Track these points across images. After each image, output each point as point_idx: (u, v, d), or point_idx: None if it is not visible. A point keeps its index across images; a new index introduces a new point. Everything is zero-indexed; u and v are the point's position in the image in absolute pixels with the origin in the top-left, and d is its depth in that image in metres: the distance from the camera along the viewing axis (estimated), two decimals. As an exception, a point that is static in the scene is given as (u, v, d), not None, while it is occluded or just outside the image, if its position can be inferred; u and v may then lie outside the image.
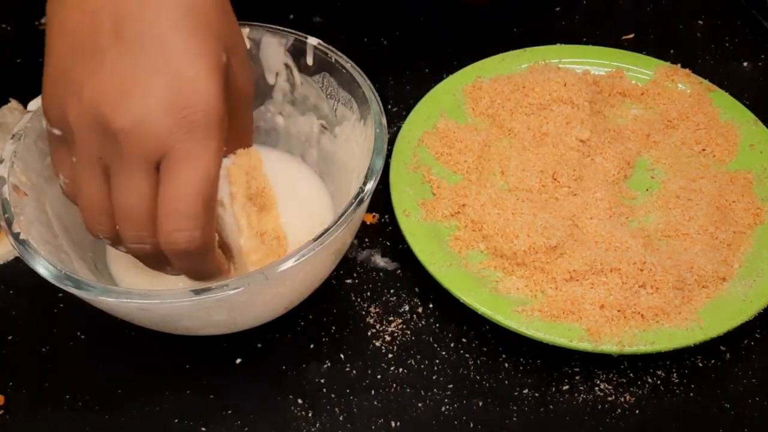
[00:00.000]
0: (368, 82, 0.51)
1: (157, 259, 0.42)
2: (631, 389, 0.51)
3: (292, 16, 0.74)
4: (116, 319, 0.47)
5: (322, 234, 0.43)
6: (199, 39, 0.39)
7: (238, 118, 0.45)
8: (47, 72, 0.41)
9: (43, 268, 0.42)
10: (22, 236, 0.43)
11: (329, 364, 0.52)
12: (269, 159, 0.56)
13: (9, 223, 0.44)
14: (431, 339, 0.53)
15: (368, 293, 0.55)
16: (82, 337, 0.53)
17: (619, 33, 0.74)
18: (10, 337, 0.53)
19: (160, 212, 0.39)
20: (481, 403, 0.50)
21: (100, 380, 0.51)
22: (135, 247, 0.41)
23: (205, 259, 0.42)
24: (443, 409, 0.50)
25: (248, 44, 0.52)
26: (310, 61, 0.53)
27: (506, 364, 0.52)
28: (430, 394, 0.50)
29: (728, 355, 0.53)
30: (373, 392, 0.50)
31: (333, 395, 0.50)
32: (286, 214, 0.52)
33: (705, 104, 0.65)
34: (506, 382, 0.51)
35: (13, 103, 0.62)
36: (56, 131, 0.41)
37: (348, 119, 0.53)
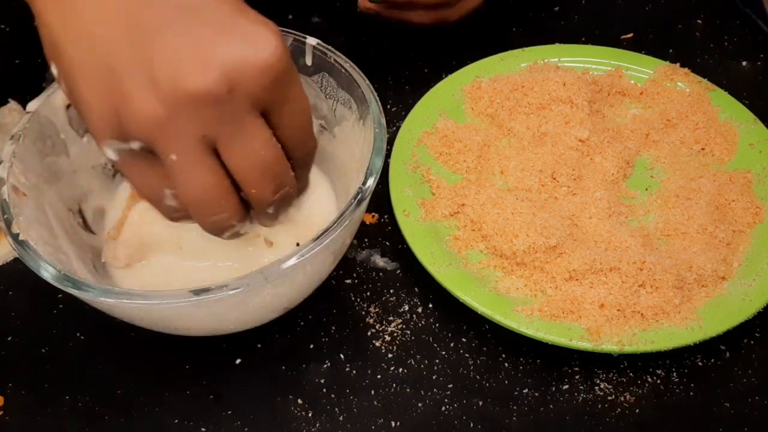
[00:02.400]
0: (367, 82, 0.51)
1: (286, 202, 0.42)
2: (631, 389, 0.51)
3: (291, 17, 0.74)
4: (116, 319, 0.47)
5: (322, 234, 0.43)
6: (249, 15, 0.38)
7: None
8: (81, 90, 0.37)
9: (42, 269, 0.42)
10: (21, 237, 0.43)
11: (329, 364, 0.52)
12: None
13: (8, 224, 0.44)
14: (431, 339, 0.53)
15: (368, 293, 0.55)
16: (82, 337, 0.53)
17: (618, 32, 0.74)
18: (9, 338, 0.53)
19: (290, 146, 0.40)
20: (481, 403, 0.50)
21: (100, 380, 0.51)
22: (278, 197, 0.41)
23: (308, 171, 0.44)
24: (443, 409, 0.50)
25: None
26: (309, 61, 0.53)
27: (506, 364, 0.52)
28: (430, 394, 0.50)
29: (728, 355, 0.53)
30: (373, 392, 0.50)
31: (333, 395, 0.50)
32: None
33: (704, 103, 0.65)
34: (506, 381, 0.51)
35: (13, 104, 0.62)
36: (126, 146, 0.38)
37: (347, 119, 0.53)
